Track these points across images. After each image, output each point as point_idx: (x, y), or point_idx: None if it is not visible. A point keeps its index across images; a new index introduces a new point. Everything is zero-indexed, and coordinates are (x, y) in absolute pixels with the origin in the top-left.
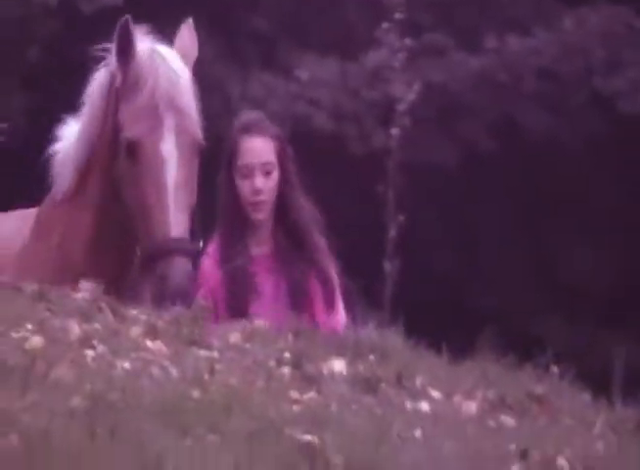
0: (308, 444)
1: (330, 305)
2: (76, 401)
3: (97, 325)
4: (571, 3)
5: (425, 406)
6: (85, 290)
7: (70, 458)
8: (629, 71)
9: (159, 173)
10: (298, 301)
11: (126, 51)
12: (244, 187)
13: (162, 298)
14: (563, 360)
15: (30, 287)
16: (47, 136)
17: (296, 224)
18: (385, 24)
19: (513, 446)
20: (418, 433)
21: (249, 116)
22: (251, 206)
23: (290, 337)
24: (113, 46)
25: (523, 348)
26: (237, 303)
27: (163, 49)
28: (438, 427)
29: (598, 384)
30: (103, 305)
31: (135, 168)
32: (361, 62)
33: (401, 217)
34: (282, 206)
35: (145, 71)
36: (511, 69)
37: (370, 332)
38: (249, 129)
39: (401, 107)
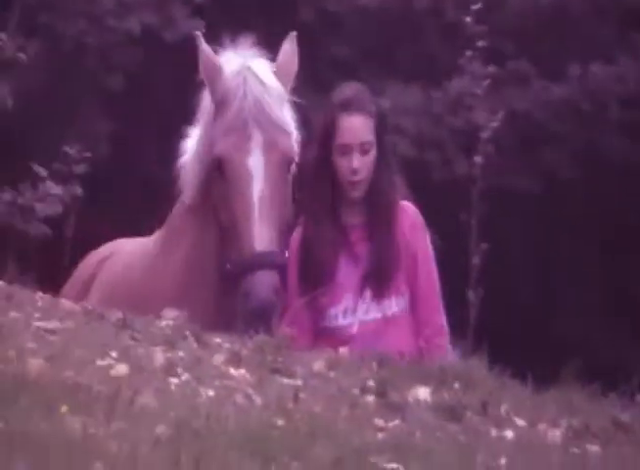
0: None
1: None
2: (161, 429)
3: (181, 353)
4: None
5: (510, 434)
6: (169, 318)
7: None
8: None
9: (244, 188)
10: (392, 266)
11: (209, 68)
12: (341, 166)
13: (247, 314)
14: None
15: (115, 315)
16: (130, 162)
17: (387, 195)
18: (468, 52)
19: None
20: (503, 461)
21: (347, 90)
22: (348, 184)
23: (374, 365)
24: (199, 69)
25: (607, 377)
26: (321, 272)
27: (255, 64)
28: (523, 455)
29: None
30: (187, 332)
31: (224, 184)
32: (444, 89)
33: (484, 245)
34: (376, 182)
35: (233, 87)
36: (594, 96)
37: (454, 361)
38: (348, 106)
39: (484, 134)
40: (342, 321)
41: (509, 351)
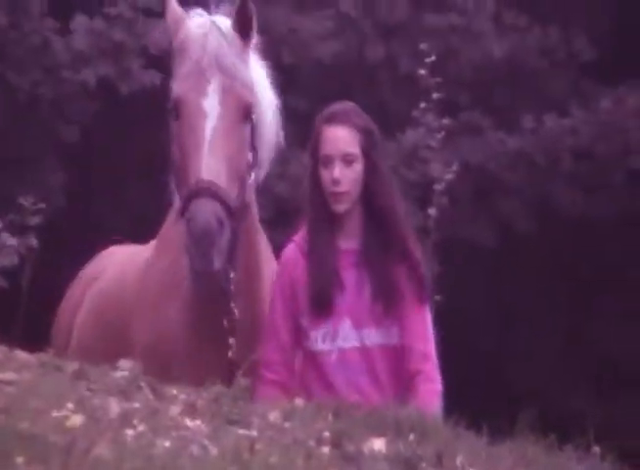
0: None
1: (421, 301)
2: None
3: (136, 404)
4: (607, 82)
5: None
6: (124, 369)
7: None
8: None
9: (197, 125)
10: (387, 297)
11: (173, 15)
12: (324, 177)
13: (190, 240)
14: (604, 439)
15: (71, 366)
16: (85, 212)
17: (383, 212)
18: (422, 104)
19: None
20: None
21: (335, 105)
22: (331, 196)
23: (329, 416)
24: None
25: (563, 427)
26: (320, 294)
27: (218, 18)
28: None
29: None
30: (142, 383)
31: (179, 124)
32: (398, 141)
33: (438, 297)
34: (369, 196)
35: (195, 35)
36: (547, 149)
37: (410, 411)
38: (331, 119)
39: (439, 186)
40: (321, 346)
41: (465, 401)
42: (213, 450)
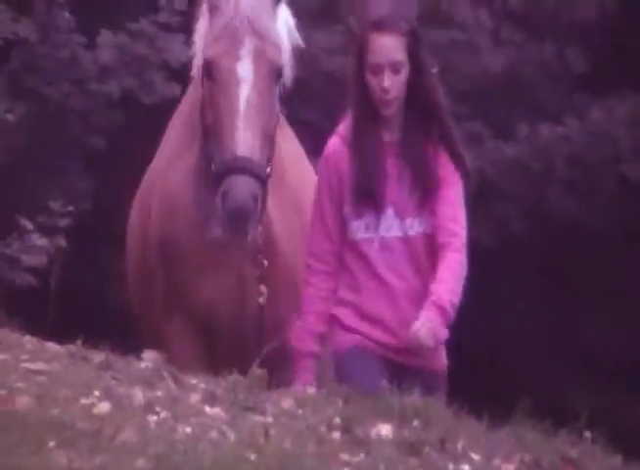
0: None
1: (454, 182)
2: (141, 463)
3: (159, 392)
4: (599, 93)
5: (466, 469)
6: (148, 359)
7: None
8: None
9: (232, 94)
10: (426, 187)
11: None
12: (373, 84)
13: (224, 215)
14: (595, 426)
15: (98, 357)
16: (111, 215)
17: (428, 108)
18: None
19: None
20: None
21: (380, 11)
22: (380, 102)
23: (340, 403)
24: None
25: (556, 414)
26: (364, 183)
27: None
28: None
29: (629, 447)
30: (165, 373)
31: (212, 87)
32: None
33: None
34: (413, 94)
35: None
36: (542, 155)
37: (414, 399)
38: (379, 26)
39: None
40: (362, 235)
41: (464, 389)
42: (231, 436)
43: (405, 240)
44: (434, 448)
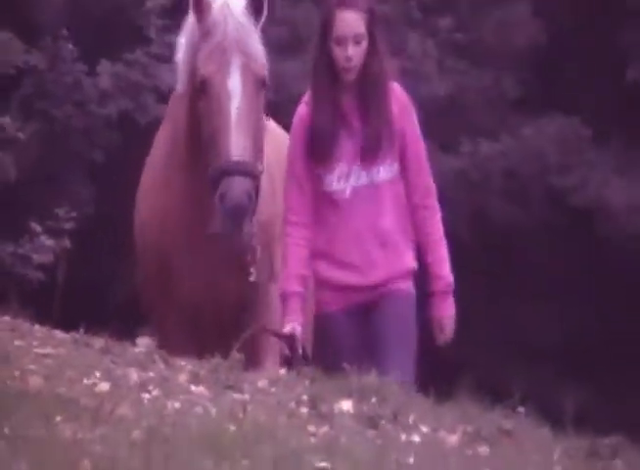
0: (323, 469)
1: (418, 139)
2: (136, 434)
3: (151, 373)
4: (530, 114)
5: (416, 438)
6: (142, 345)
7: None
8: (578, 171)
9: (225, 104)
10: (388, 139)
11: (201, 6)
12: (337, 54)
13: (223, 214)
14: (528, 402)
15: (98, 343)
16: (110, 220)
17: (380, 79)
18: None
19: None
20: (411, 460)
21: None
22: (343, 70)
23: (307, 383)
24: (190, 4)
25: (495, 392)
26: (327, 139)
27: (234, 2)
28: (427, 455)
29: (556, 420)
30: (156, 356)
31: (206, 103)
32: None
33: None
34: (368, 67)
35: (217, 21)
36: (482, 169)
37: (372, 379)
38: (342, 3)
39: None
40: (336, 186)
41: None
42: (213, 411)
43: (373, 187)
44: (388, 421)
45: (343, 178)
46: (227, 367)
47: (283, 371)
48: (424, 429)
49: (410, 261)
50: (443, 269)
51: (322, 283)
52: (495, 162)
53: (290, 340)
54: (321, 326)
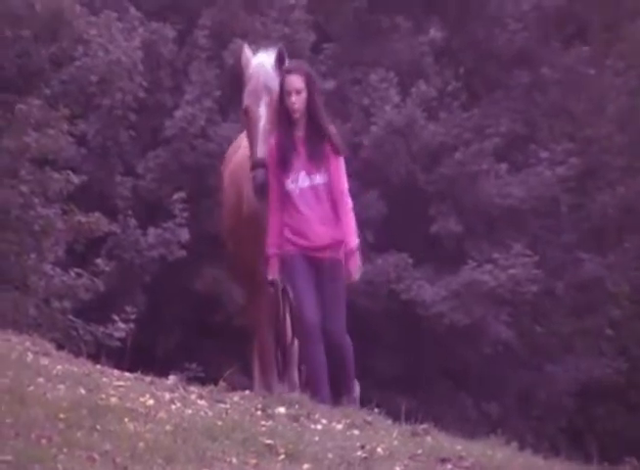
0: (269, 444)
1: (337, 159)
2: (168, 428)
3: (176, 394)
4: None
5: (319, 427)
6: (172, 379)
7: None
8: None
9: (257, 124)
10: (320, 157)
11: (245, 63)
12: (288, 101)
13: (253, 187)
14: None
15: (147, 378)
16: None
17: (316, 118)
18: None
19: None
20: (316, 438)
21: (291, 63)
22: (292, 111)
23: (260, 398)
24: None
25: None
26: (285, 157)
27: (265, 60)
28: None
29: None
30: (179, 385)
31: (248, 122)
32: None
33: None
34: (310, 111)
35: (253, 73)
36: None
37: (297, 396)
38: (289, 71)
39: None
40: (291, 186)
41: None
42: (209, 413)
43: (313, 188)
44: (305, 418)
45: (294, 182)
46: (218, 390)
47: (249, 392)
48: (324, 421)
49: (339, 235)
50: (348, 236)
51: (287, 242)
52: None
53: (272, 284)
54: (286, 260)
